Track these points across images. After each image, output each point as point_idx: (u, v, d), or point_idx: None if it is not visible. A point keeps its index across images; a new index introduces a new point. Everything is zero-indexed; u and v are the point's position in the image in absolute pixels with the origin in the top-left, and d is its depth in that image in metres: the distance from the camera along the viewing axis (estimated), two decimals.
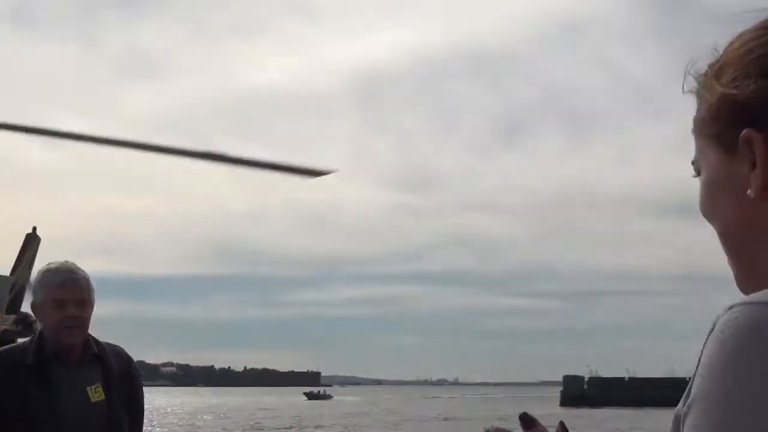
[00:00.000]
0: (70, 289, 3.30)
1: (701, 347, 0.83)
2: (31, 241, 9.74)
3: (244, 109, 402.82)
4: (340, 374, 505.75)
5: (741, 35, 0.92)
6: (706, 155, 0.95)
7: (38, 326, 3.44)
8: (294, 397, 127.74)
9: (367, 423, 60.10)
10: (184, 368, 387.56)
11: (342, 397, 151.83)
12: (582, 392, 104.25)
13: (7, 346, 3.44)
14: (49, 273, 3.35)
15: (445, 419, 67.50)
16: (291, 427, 51.06)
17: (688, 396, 0.84)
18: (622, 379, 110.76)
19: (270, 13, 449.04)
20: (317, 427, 54.74)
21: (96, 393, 3.27)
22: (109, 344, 3.48)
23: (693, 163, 0.98)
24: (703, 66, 0.96)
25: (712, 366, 0.79)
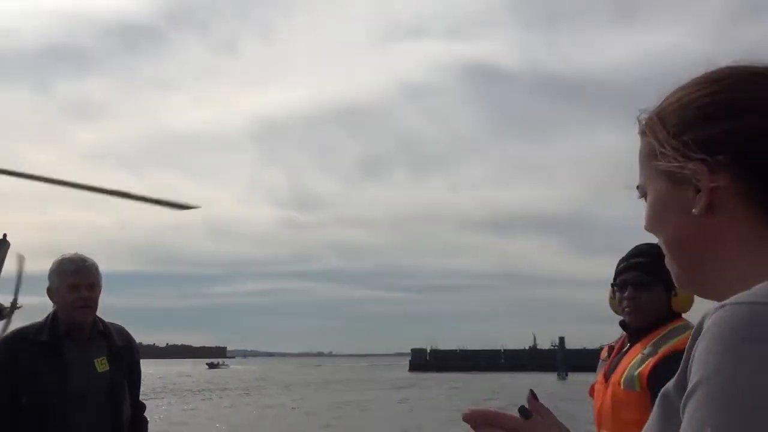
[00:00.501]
0: (82, 275, 3.18)
1: (689, 346, 0.78)
2: (2, 246, 9.36)
3: (167, 146, 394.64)
4: (242, 348, 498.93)
5: (682, 87, 0.91)
6: (653, 182, 0.92)
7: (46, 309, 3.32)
8: (203, 367, 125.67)
9: (265, 386, 59.59)
10: None
11: (237, 366, 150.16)
12: (425, 361, 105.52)
13: (23, 326, 3.34)
14: (65, 262, 3.22)
15: (325, 382, 67.44)
16: (203, 390, 50.12)
17: (681, 382, 0.78)
18: (455, 350, 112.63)
19: (189, 72, 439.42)
20: (224, 389, 53.93)
21: (101, 364, 3.18)
22: (112, 323, 3.38)
23: (638, 187, 0.96)
24: (648, 113, 0.94)
25: (713, 354, 0.72)
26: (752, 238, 0.84)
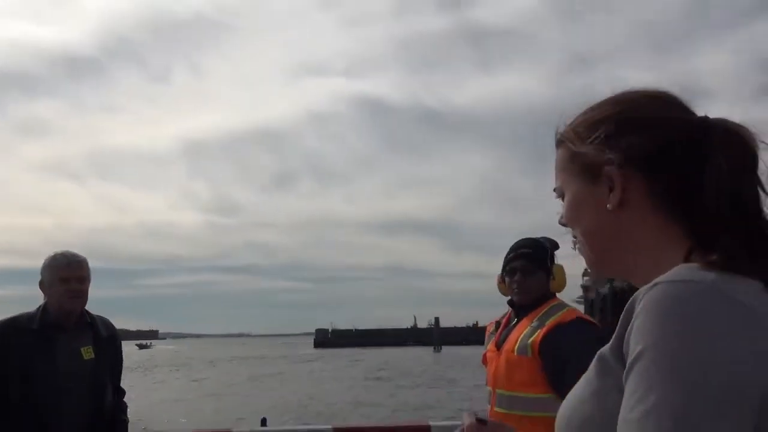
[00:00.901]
0: (73, 269, 2.90)
1: (623, 318, 0.75)
2: None
3: (107, 161, 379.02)
4: (173, 331, 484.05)
5: (592, 108, 0.91)
6: (570, 184, 0.91)
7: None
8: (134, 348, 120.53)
9: (192, 363, 57.74)
10: None
11: (167, 346, 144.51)
12: (327, 338, 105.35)
13: (14, 315, 2.96)
14: (58, 257, 2.92)
15: (244, 357, 66.09)
16: (138, 367, 48.00)
17: (616, 348, 0.75)
18: (351, 330, 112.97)
19: (127, 98, 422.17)
20: (156, 366, 51.94)
21: (87, 353, 2.89)
22: (98, 316, 3.07)
23: (555, 189, 0.95)
24: (564, 127, 0.94)
25: (652, 325, 0.70)
26: (658, 228, 0.84)
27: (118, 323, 3.45)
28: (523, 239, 2.66)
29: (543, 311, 2.49)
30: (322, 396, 24.55)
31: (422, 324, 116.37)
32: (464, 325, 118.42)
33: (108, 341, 3.03)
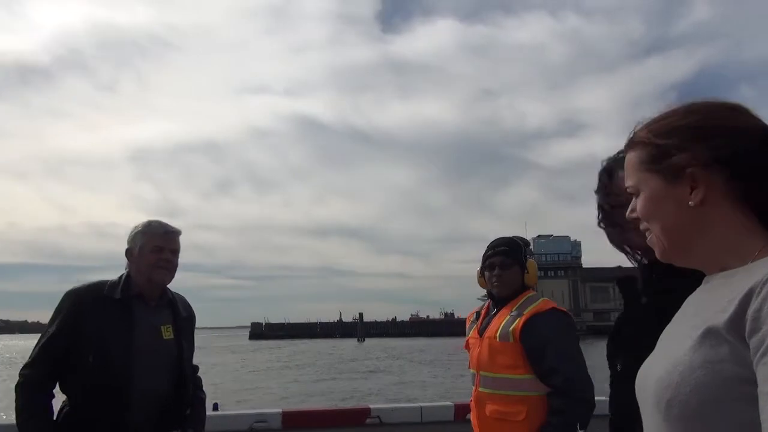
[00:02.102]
0: (169, 239, 2.43)
1: (748, 307, 0.76)
2: None
3: (57, 164, 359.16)
4: None
5: (667, 114, 0.93)
6: (647, 182, 0.92)
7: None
8: None
9: None
10: (6, 322, 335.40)
11: None
12: (262, 331, 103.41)
13: (97, 281, 2.43)
14: (154, 224, 2.44)
15: None
16: None
17: (736, 324, 0.77)
18: (284, 323, 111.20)
19: (76, 105, 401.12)
20: None
21: (167, 332, 2.41)
22: (178, 294, 2.59)
23: (629, 188, 0.96)
24: (640, 128, 0.95)
25: None
26: (737, 224, 0.87)
27: None
28: (499, 238, 2.69)
29: (520, 302, 2.53)
30: (259, 383, 24.05)
31: (347, 318, 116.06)
32: (385, 320, 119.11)
33: (187, 322, 2.56)
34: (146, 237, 2.41)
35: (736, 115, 0.89)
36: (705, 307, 0.84)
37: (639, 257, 1.55)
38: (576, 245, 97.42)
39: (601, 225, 1.61)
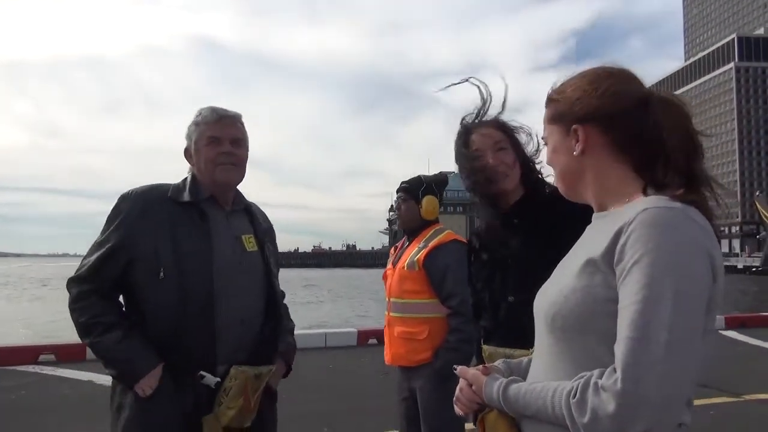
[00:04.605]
0: (226, 126, 1.91)
1: (617, 243, 0.94)
2: None
3: None
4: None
5: (571, 79, 1.13)
6: (552, 135, 1.14)
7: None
8: None
9: (21, 282, 51.85)
10: None
11: None
12: None
13: (153, 184, 1.93)
14: (206, 110, 1.93)
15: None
16: None
17: (607, 255, 0.95)
18: None
19: None
20: None
21: (250, 243, 1.94)
22: (252, 202, 2.10)
23: (543, 138, 1.18)
24: (551, 90, 1.16)
25: (649, 235, 0.90)
26: (615, 169, 1.07)
27: None
28: (407, 179, 2.86)
29: (428, 234, 2.75)
30: None
31: None
32: (287, 251, 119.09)
33: (268, 234, 2.09)
34: (199, 127, 1.93)
35: (615, 81, 1.08)
36: (588, 241, 1.05)
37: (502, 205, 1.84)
38: None
39: (475, 189, 1.85)
